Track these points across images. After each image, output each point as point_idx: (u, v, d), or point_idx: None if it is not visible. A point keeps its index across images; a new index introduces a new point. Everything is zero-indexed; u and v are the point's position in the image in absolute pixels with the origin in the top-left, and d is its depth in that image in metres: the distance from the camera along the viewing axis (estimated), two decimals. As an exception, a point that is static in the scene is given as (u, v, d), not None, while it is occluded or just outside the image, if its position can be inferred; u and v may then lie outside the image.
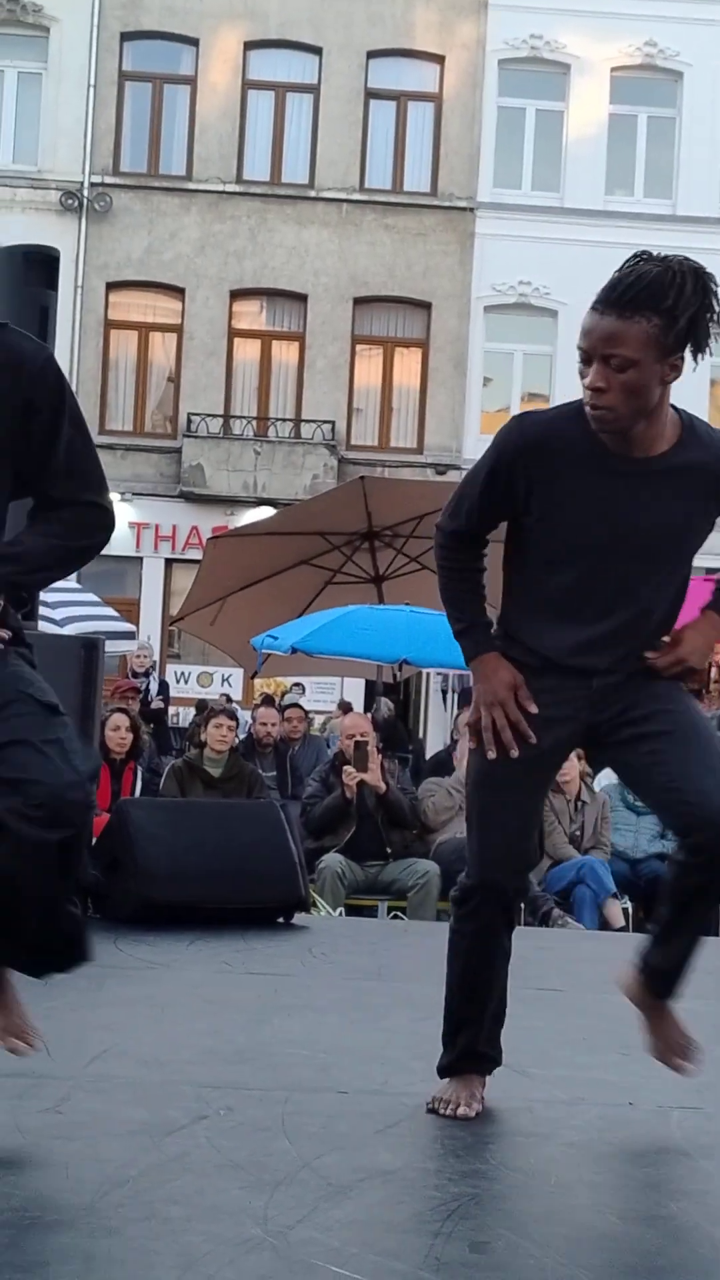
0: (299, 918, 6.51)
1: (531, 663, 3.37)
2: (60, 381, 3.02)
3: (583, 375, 3.14)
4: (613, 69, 23.62)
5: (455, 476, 21.03)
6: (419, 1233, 2.69)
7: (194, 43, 23.55)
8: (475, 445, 23.01)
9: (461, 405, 23.35)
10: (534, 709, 3.29)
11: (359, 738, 8.66)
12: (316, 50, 23.55)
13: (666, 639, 3.37)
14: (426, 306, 23.26)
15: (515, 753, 3.27)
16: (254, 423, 23.31)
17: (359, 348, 23.63)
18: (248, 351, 23.68)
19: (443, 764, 10.01)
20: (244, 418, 23.33)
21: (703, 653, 3.36)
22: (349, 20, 23.41)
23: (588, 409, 3.16)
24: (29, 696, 2.92)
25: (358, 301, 23.30)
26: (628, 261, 3.11)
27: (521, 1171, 3.08)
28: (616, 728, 3.38)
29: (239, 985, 5.01)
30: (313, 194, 23.39)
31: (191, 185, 23.03)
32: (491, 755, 3.29)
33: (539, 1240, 2.68)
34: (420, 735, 19.45)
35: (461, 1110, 3.41)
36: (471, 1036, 3.53)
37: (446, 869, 8.38)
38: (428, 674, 19.08)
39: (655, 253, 3.12)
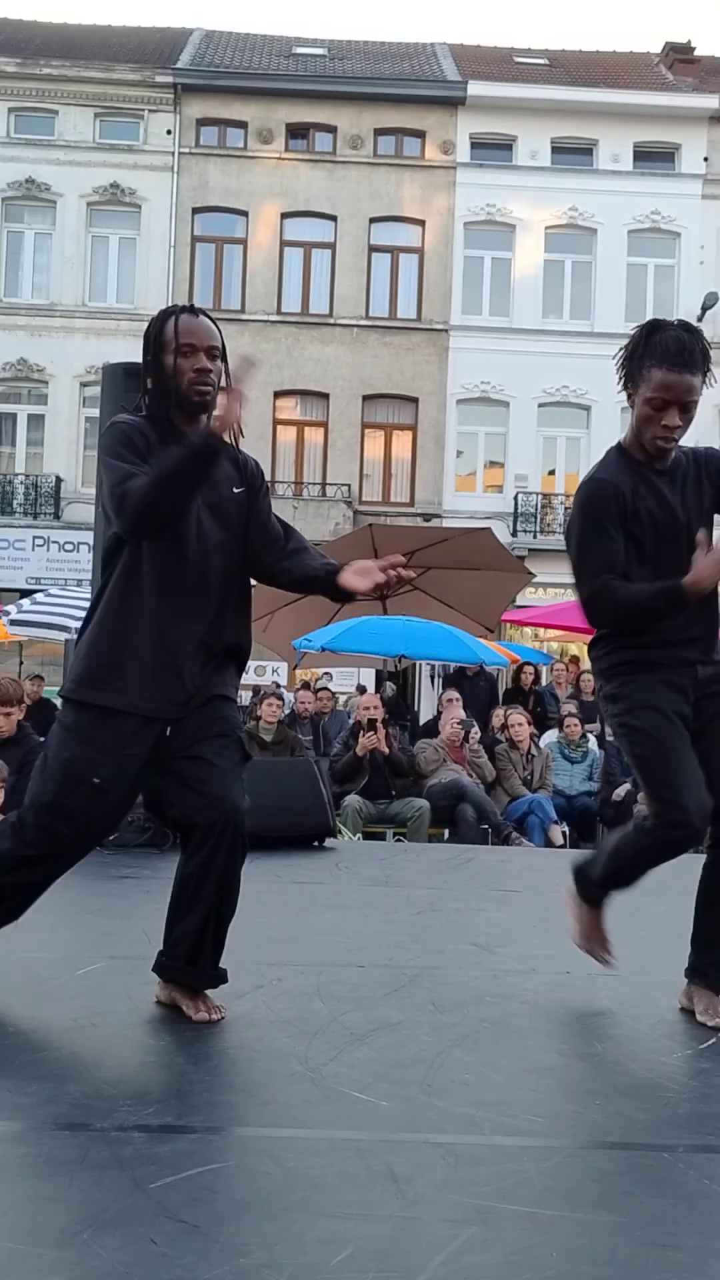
0: (329, 842, 6.52)
1: (651, 656, 3.07)
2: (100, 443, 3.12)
3: (655, 419, 3.02)
4: (546, 228, 23.56)
5: (438, 523, 21.05)
6: (416, 1067, 2.69)
7: (245, 214, 23.49)
8: (451, 500, 23.02)
9: (441, 472, 23.29)
10: None
11: (371, 711, 8.66)
12: (333, 218, 23.53)
13: None
14: (415, 401, 23.20)
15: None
16: (292, 485, 23.31)
17: (367, 431, 23.55)
18: (287, 435, 23.65)
19: (431, 728, 9.98)
20: (285, 482, 23.32)
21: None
22: (356, 196, 23.39)
23: (658, 441, 3.04)
24: (239, 739, 2.99)
25: (365, 398, 23.25)
26: (674, 330, 3.02)
27: (490, 1022, 3.08)
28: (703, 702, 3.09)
29: (286, 891, 5.02)
30: (331, 321, 23.37)
31: (244, 316, 22.98)
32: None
33: (504, 1071, 2.69)
34: (415, 708, 19.43)
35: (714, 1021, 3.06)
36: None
37: (434, 804, 8.38)
38: (421, 664, 19.06)
39: (677, 320, 3.10)
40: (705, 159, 23.31)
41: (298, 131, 23.83)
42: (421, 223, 23.61)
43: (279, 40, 25.75)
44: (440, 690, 12.61)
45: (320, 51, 25.33)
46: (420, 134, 23.73)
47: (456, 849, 7.16)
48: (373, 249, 23.64)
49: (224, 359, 3.04)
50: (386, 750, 8.52)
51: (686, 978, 3.18)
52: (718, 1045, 2.94)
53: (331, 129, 23.70)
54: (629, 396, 3.11)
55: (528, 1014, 3.18)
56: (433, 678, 20.00)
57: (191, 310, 3.03)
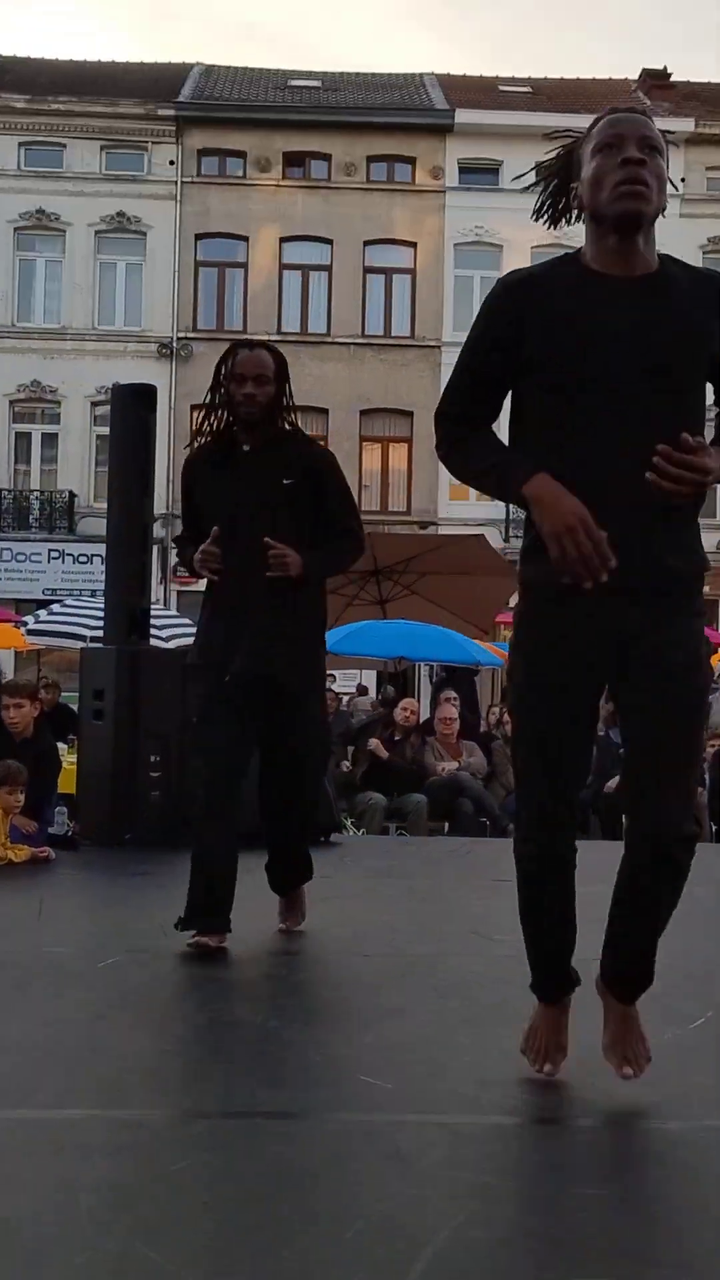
0: (335, 837, 6.52)
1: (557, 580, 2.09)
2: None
3: (609, 162, 2.16)
4: (532, 247, 23.50)
5: (434, 531, 21.04)
6: (418, 1049, 2.69)
7: (245, 239, 23.49)
8: (447, 508, 22.99)
9: (436, 483, 23.26)
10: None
11: (411, 718, 8.95)
12: (329, 241, 23.53)
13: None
14: (410, 414, 23.19)
15: (605, 576, 2.04)
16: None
17: (365, 444, 23.55)
18: (289, 449, 23.68)
19: (427, 725, 9.99)
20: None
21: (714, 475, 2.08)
22: (350, 220, 23.38)
23: (621, 192, 2.13)
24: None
25: (363, 413, 23.26)
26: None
27: (490, 1005, 3.08)
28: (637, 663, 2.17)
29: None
30: (330, 340, 23.38)
31: (246, 337, 23.00)
32: (589, 585, 2.04)
33: (505, 1052, 2.69)
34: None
35: None
36: None
37: (433, 799, 8.38)
38: (419, 665, 19.06)
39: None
40: (682, 179, 23.32)
41: (294, 160, 23.85)
42: (413, 244, 23.61)
43: (275, 74, 25.75)
44: (436, 690, 12.59)
45: (314, 83, 25.34)
46: (411, 160, 23.75)
47: (456, 841, 7.16)
48: (368, 270, 23.65)
49: (282, 380, 3.64)
50: (384, 756, 8.47)
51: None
52: (706, 1023, 2.94)
53: (326, 157, 23.72)
54: (573, 200, 2.28)
55: (527, 998, 3.18)
56: (430, 678, 19.98)
57: (249, 344, 3.67)
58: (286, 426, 3.69)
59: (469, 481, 2.29)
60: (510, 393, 2.27)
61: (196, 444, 3.72)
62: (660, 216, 2.23)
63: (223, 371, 3.60)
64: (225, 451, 3.65)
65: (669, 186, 2.21)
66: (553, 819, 2.30)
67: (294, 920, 3.91)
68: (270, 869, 3.86)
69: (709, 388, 2.26)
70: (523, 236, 23.39)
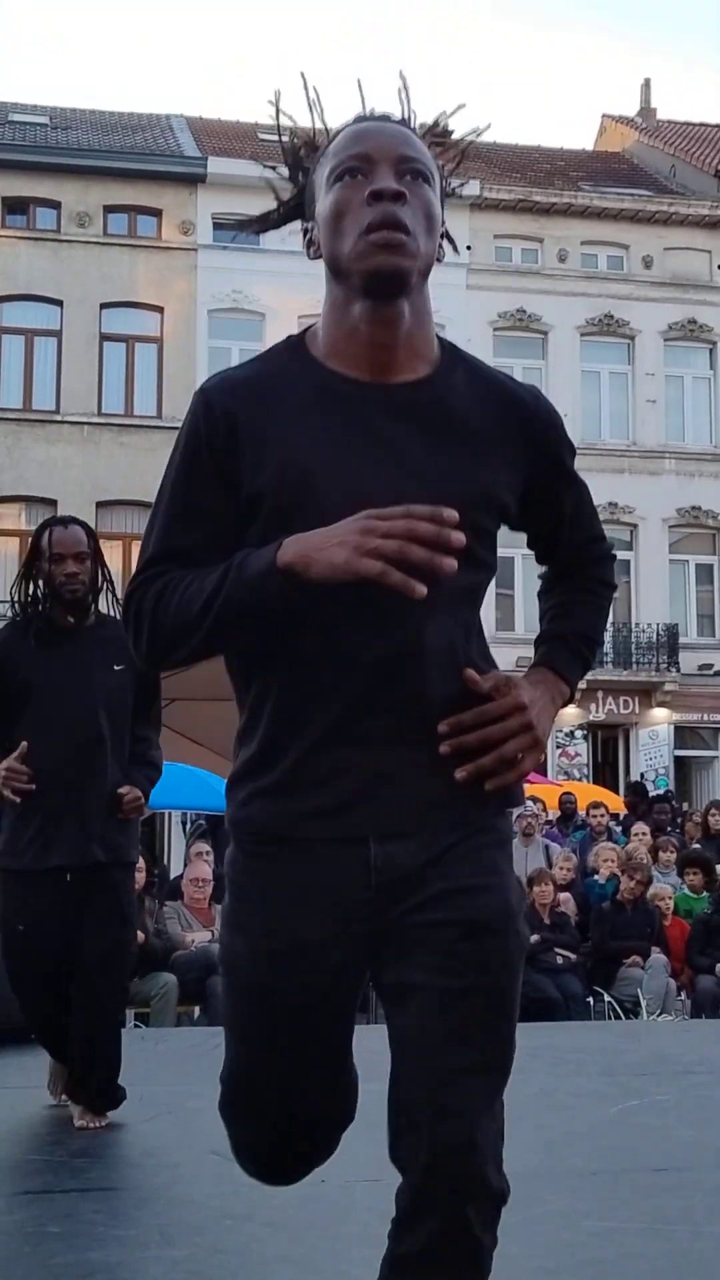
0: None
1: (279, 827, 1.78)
2: None
3: (351, 197, 1.78)
4: (299, 316, 24.25)
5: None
6: None
7: (-50, 297, 23.40)
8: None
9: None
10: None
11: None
12: (58, 302, 23.61)
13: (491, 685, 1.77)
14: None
15: (422, 591, 1.61)
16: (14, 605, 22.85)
17: (102, 542, 23.36)
18: (9, 545, 23.29)
19: (176, 888, 9.77)
20: (5, 602, 22.87)
21: (547, 723, 1.80)
22: (84, 279, 23.55)
23: (371, 243, 1.74)
24: None
25: (100, 505, 23.10)
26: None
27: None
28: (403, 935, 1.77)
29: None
30: (59, 418, 23.30)
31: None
32: (422, 592, 1.61)
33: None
34: (165, 861, 19.06)
35: None
36: None
37: (181, 979, 8.17)
38: (168, 814, 18.79)
39: None
40: (468, 247, 24.60)
41: (16, 206, 23.99)
42: (160, 309, 24.00)
43: (-8, 105, 26.01)
44: (188, 841, 12.42)
45: (41, 119, 25.69)
46: (156, 212, 24.26)
47: (207, 1034, 6.93)
48: (105, 337, 23.86)
49: (94, 555, 4.46)
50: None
51: None
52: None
53: (55, 204, 23.95)
54: (307, 244, 1.89)
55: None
56: (184, 824, 19.74)
57: (61, 522, 4.50)
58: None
59: (189, 637, 1.75)
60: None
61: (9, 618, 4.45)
62: (435, 264, 1.84)
63: (37, 548, 4.36)
64: (44, 629, 4.34)
65: (450, 248, 1.91)
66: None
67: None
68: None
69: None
70: (288, 304, 24.11)
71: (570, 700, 1.93)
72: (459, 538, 1.63)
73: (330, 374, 1.81)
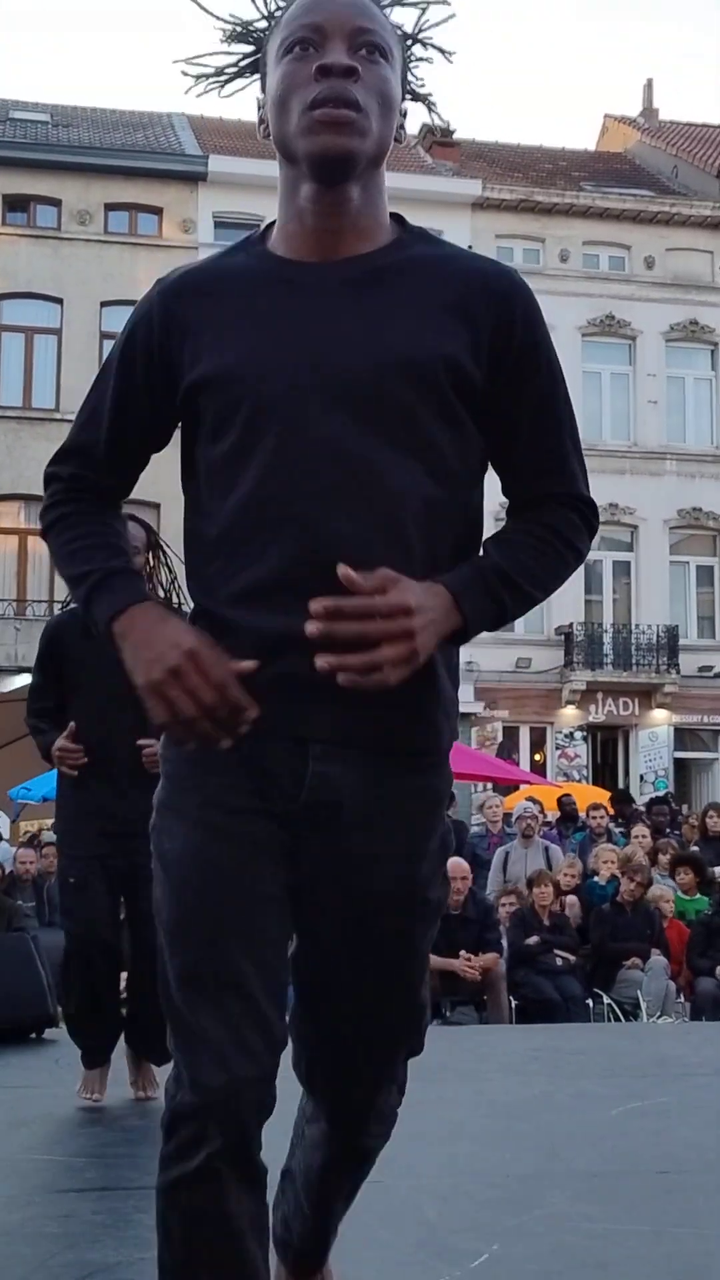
0: (49, 1033, 6.21)
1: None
2: None
3: (299, 71, 1.69)
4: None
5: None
6: None
7: (-47, 295, 23.39)
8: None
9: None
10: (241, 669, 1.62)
11: None
12: (59, 300, 23.60)
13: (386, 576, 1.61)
14: (157, 506, 22.99)
15: (227, 742, 1.63)
16: (14, 604, 22.85)
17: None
18: (8, 545, 23.28)
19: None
20: (6, 600, 22.85)
21: (429, 640, 1.62)
22: (85, 277, 23.54)
23: (316, 113, 1.66)
24: None
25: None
26: None
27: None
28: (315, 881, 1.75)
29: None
30: (59, 417, 23.26)
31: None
32: (190, 747, 1.65)
33: None
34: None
35: None
36: None
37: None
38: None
39: None
40: (469, 246, 24.54)
41: (17, 204, 23.98)
42: (161, 308, 23.98)
43: (-7, 102, 26.01)
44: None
45: (42, 117, 25.68)
46: (157, 210, 24.25)
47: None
48: (105, 336, 23.79)
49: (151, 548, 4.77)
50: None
51: None
52: (490, 1260, 2.86)
53: (56, 202, 23.95)
54: (259, 127, 1.82)
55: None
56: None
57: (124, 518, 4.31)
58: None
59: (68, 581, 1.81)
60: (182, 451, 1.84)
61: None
62: (393, 146, 1.76)
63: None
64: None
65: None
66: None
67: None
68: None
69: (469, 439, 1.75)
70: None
71: (462, 639, 1.70)
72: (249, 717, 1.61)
73: (276, 260, 1.75)
